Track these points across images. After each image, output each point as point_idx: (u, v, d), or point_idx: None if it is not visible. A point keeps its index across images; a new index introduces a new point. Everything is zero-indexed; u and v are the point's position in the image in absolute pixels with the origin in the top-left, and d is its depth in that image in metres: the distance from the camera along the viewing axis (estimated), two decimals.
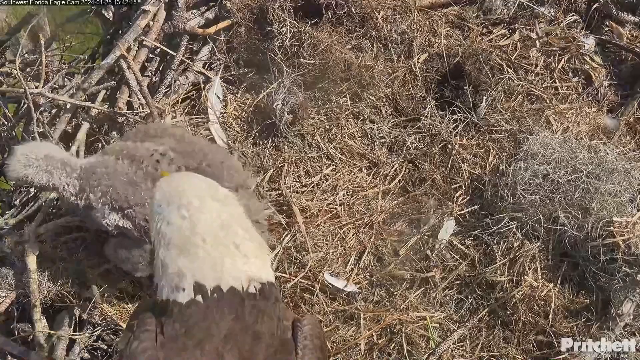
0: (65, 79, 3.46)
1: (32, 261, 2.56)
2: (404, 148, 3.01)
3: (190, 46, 3.37)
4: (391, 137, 3.06)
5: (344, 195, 2.89)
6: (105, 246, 2.58)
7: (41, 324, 2.51)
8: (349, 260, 2.71)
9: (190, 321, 1.54)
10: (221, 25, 3.34)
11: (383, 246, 2.73)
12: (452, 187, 2.90)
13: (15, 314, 2.60)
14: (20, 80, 3.04)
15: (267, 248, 1.73)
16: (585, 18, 3.39)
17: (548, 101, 3.12)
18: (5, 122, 3.25)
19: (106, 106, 3.14)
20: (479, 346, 2.55)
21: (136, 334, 1.59)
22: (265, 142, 3.03)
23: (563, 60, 3.24)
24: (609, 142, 2.90)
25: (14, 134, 3.26)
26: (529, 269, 2.61)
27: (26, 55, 3.55)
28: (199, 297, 1.54)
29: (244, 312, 1.57)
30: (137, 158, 2.44)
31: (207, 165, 2.48)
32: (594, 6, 3.39)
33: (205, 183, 1.72)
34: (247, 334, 1.56)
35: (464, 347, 2.55)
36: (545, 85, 3.18)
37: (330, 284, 2.63)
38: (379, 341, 2.56)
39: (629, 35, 3.38)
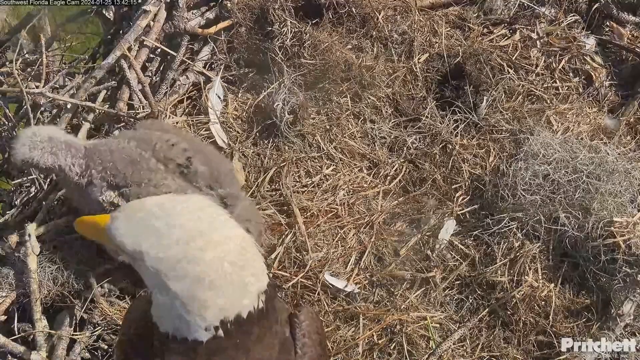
0: (66, 79, 3.46)
1: (32, 261, 2.55)
2: (405, 148, 3.01)
3: (190, 46, 3.37)
4: (392, 137, 3.06)
5: (345, 195, 2.89)
6: None
7: (41, 324, 2.51)
8: (349, 260, 2.71)
9: (201, 356, 1.39)
10: (222, 25, 3.34)
11: (383, 246, 2.73)
12: (453, 187, 2.90)
13: (16, 313, 2.59)
14: (18, 80, 3.05)
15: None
16: (585, 18, 3.39)
17: (548, 101, 3.12)
18: (6, 122, 3.25)
19: (107, 106, 3.14)
20: (480, 346, 2.55)
21: None
22: (266, 142, 3.03)
23: (564, 60, 3.25)
24: (609, 143, 2.89)
25: (15, 133, 3.26)
26: (530, 269, 2.61)
27: (27, 55, 3.56)
28: (221, 332, 1.36)
29: (253, 329, 1.43)
30: (148, 141, 2.48)
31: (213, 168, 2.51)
32: (595, 6, 3.39)
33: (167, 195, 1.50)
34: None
35: (465, 347, 2.55)
36: (546, 85, 3.18)
37: (330, 284, 2.62)
38: (380, 341, 2.55)
39: (630, 36, 3.38)
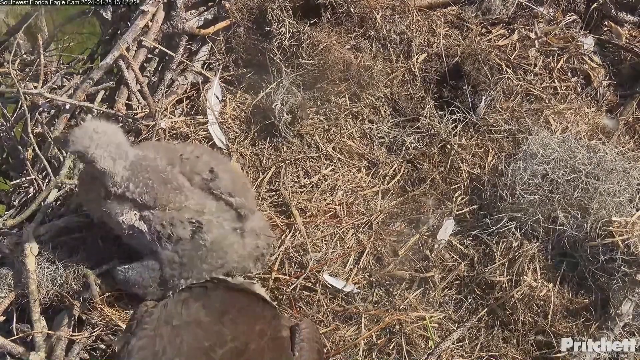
0: (64, 79, 3.46)
1: (31, 261, 2.55)
2: (403, 148, 3.01)
3: (189, 46, 3.38)
4: (390, 137, 3.06)
5: (343, 196, 2.89)
6: (113, 273, 2.56)
7: (40, 325, 2.51)
8: (348, 260, 2.71)
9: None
10: (220, 25, 3.34)
11: (382, 246, 2.73)
12: (451, 187, 2.90)
13: (15, 314, 2.59)
14: (15, 81, 3.05)
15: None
16: (584, 18, 3.40)
17: (547, 101, 3.12)
18: (4, 123, 3.24)
19: (105, 106, 3.14)
20: (478, 346, 2.55)
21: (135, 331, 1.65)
22: (264, 142, 3.03)
23: (562, 60, 3.25)
24: (608, 142, 2.89)
25: (13, 134, 3.26)
26: (528, 268, 2.61)
27: (24, 55, 3.55)
28: None
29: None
30: (173, 151, 2.49)
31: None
32: (593, 6, 3.40)
33: None
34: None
35: (463, 347, 2.55)
36: (544, 85, 3.19)
37: (329, 284, 2.62)
38: (378, 341, 2.55)
39: (628, 35, 3.38)
